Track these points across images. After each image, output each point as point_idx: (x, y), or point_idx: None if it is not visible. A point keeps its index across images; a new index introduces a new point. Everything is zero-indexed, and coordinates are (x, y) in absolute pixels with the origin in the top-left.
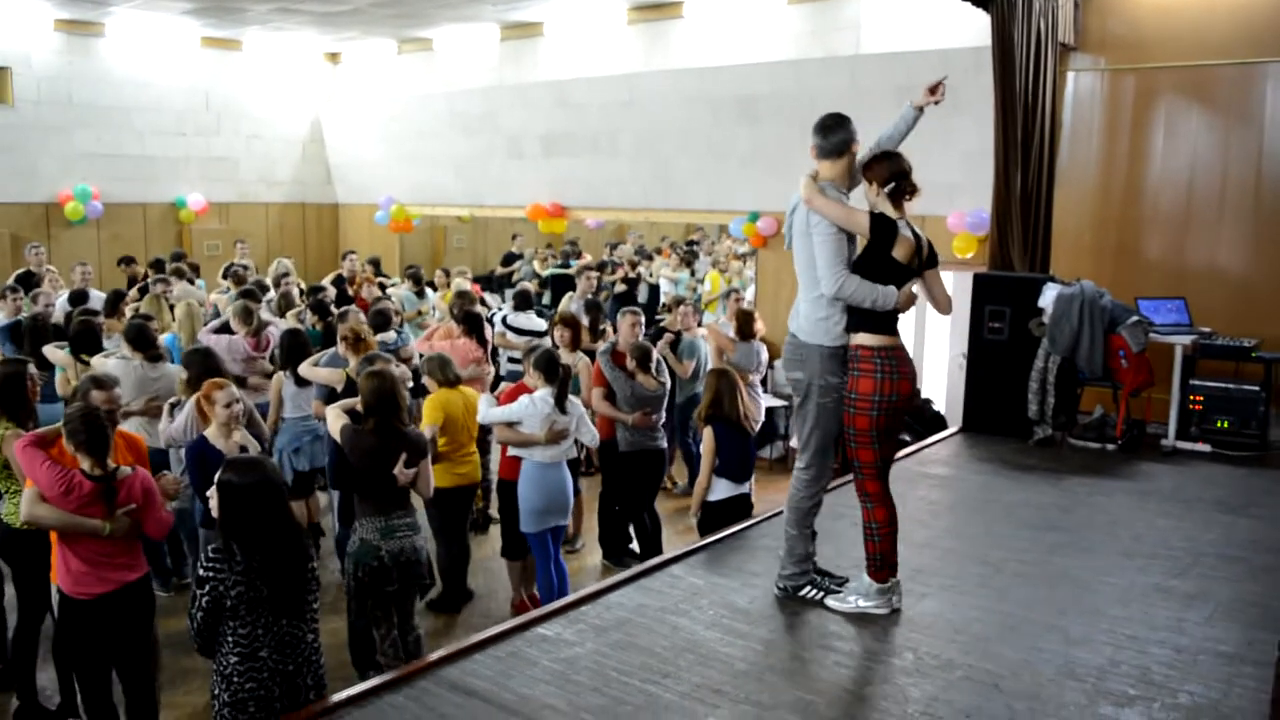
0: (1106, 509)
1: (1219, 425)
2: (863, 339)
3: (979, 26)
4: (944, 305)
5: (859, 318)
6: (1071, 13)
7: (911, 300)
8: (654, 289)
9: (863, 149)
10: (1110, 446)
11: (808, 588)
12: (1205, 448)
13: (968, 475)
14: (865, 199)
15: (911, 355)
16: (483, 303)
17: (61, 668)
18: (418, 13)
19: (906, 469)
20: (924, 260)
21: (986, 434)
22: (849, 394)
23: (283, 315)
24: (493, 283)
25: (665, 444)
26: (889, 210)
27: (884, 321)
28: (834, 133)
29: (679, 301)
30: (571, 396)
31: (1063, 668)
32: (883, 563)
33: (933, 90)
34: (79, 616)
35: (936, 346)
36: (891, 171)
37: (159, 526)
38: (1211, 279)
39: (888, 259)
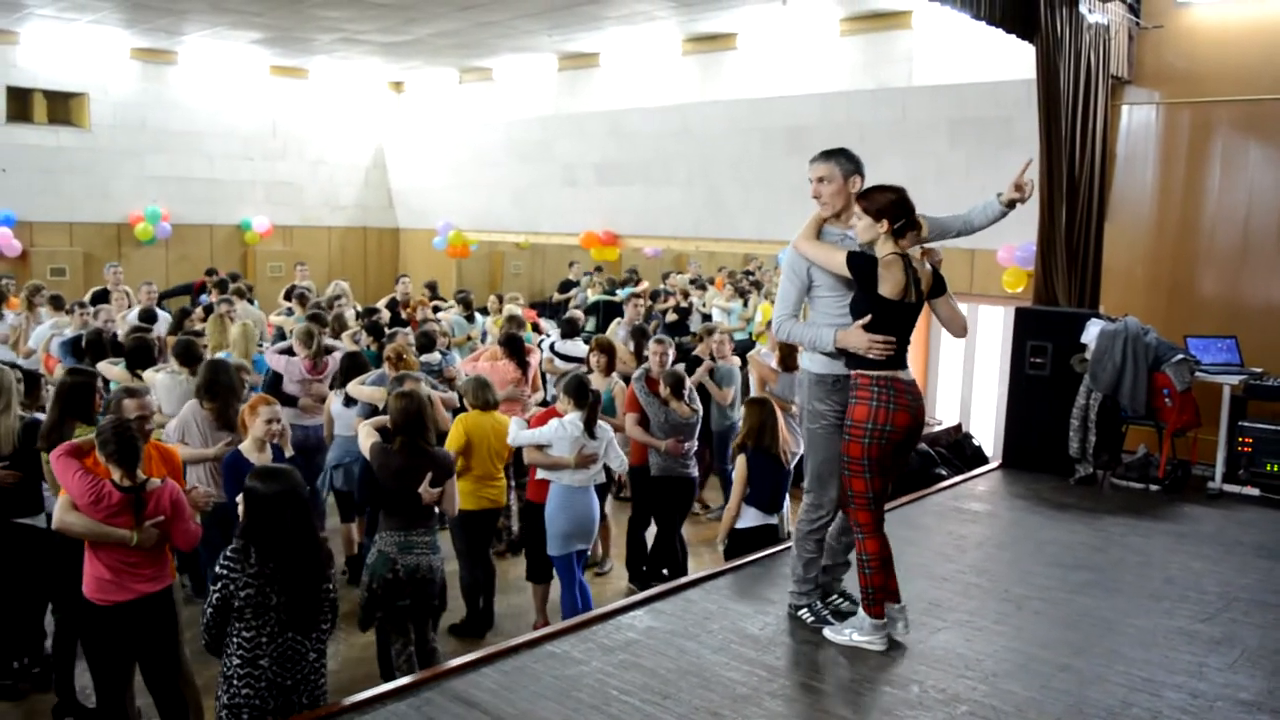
0: (1141, 550)
1: (1269, 468)
2: (861, 368)
3: (1032, 59)
4: (958, 329)
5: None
6: (1125, 45)
7: (866, 343)
8: (706, 319)
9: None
10: (1153, 487)
11: (805, 610)
12: (1254, 491)
13: (1002, 511)
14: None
15: (959, 390)
16: (535, 329)
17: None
18: (478, 42)
19: (940, 503)
20: (922, 293)
21: (1027, 470)
22: (845, 420)
23: (336, 336)
24: (549, 309)
25: (696, 472)
26: (886, 246)
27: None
28: None
29: (710, 331)
30: (601, 422)
31: (1071, 707)
32: (875, 596)
33: (1019, 187)
34: (100, 622)
35: (984, 381)
36: (888, 202)
37: (187, 538)
38: (1267, 318)
39: (875, 296)
